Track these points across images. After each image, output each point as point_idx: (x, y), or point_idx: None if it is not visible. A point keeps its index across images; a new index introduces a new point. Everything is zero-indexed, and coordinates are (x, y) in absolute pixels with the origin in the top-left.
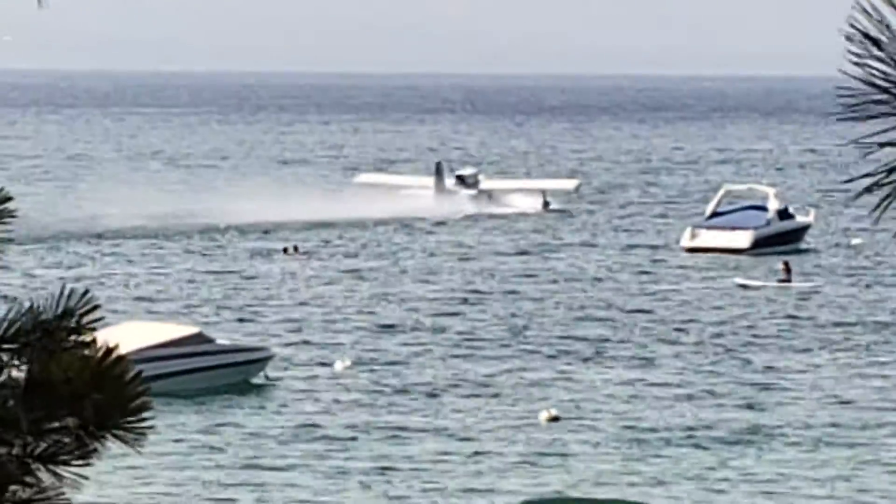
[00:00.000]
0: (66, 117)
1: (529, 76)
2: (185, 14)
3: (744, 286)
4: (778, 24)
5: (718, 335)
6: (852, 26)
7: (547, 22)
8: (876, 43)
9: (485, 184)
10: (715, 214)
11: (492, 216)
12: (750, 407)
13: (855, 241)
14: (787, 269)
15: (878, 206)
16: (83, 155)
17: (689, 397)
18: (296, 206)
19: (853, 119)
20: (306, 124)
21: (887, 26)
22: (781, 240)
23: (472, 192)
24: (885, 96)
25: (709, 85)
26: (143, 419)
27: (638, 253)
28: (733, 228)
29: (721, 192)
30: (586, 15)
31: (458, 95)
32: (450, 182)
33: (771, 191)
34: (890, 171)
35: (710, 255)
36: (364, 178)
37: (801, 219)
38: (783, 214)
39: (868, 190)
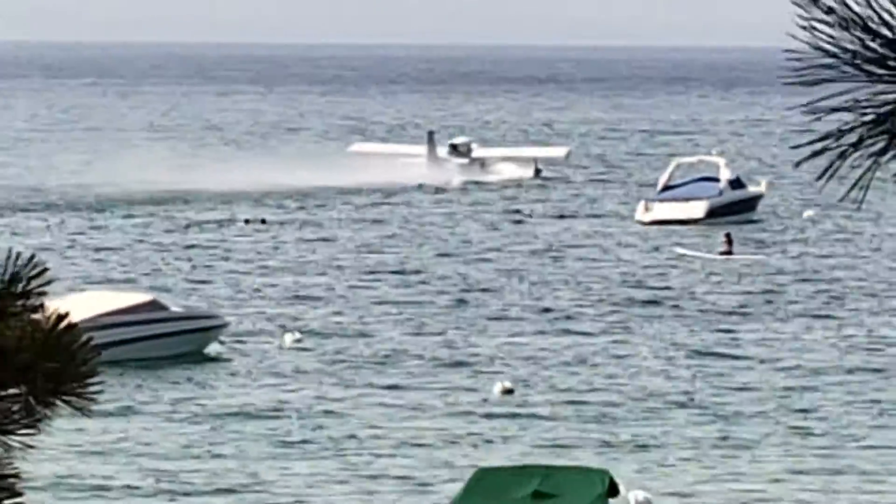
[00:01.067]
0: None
1: (504, 46)
2: None
3: (684, 256)
4: None
5: (665, 305)
6: None
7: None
8: (824, 6)
9: (477, 152)
10: (667, 187)
11: (481, 184)
12: (696, 375)
13: (807, 213)
14: (729, 241)
15: (824, 172)
16: (35, 128)
17: (638, 367)
18: (285, 173)
19: (801, 84)
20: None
21: None
22: (735, 209)
23: (465, 160)
24: (832, 60)
25: (676, 56)
26: (93, 385)
27: (593, 225)
28: (687, 200)
29: (672, 165)
30: None
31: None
32: (442, 151)
33: (721, 161)
34: (839, 136)
35: (664, 226)
36: (358, 147)
37: (753, 188)
38: (735, 184)
39: (815, 155)
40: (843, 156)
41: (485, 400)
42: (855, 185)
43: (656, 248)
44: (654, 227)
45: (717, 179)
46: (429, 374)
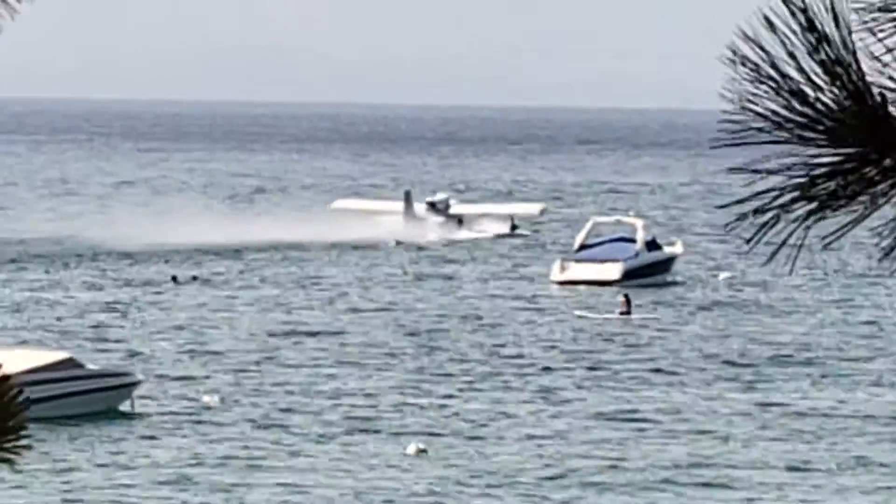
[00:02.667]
0: None
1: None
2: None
3: (584, 318)
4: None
5: (569, 367)
6: (732, 51)
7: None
8: (755, 68)
9: (455, 209)
10: (583, 247)
11: (454, 241)
12: (602, 439)
13: (723, 275)
14: (627, 302)
15: (754, 235)
16: None
17: (544, 431)
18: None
19: (731, 146)
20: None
21: (766, 51)
22: (650, 271)
23: (442, 218)
24: (764, 124)
25: (587, 117)
26: (22, 437)
27: (509, 286)
28: (603, 261)
29: (589, 225)
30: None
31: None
32: (420, 208)
33: (639, 222)
34: (774, 198)
35: (579, 287)
36: (340, 203)
37: (668, 250)
38: (651, 245)
39: (742, 218)
40: (773, 219)
41: (398, 460)
42: (779, 248)
43: (565, 309)
44: (569, 287)
45: (633, 240)
46: (344, 433)
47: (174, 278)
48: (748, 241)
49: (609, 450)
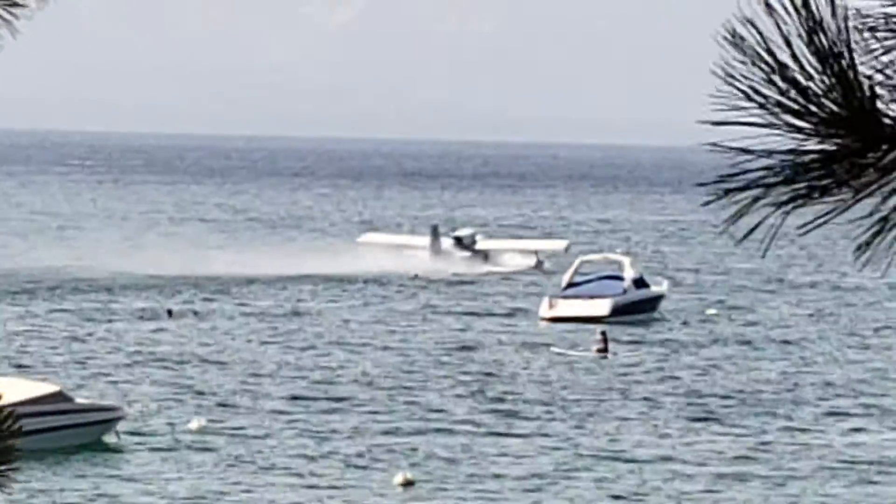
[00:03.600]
0: None
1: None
2: None
3: (561, 354)
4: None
5: (547, 404)
6: (729, 32)
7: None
8: (749, 50)
9: (481, 244)
10: (571, 284)
11: (480, 275)
12: (581, 478)
13: (709, 312)
14: (604, 340)
15: (731, 216)
16: None
17: (521, 469)
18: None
19: (717, 124)
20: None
21: (762, 34)
22: (638, 308)
23: (468, 253)
24: (750, 104)
25: (566, 154)
26: (12, 462)
27: (499, 322)
28: (591, 297)
29: (577, 262)
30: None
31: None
32: (447, 242)
33: (626, 260)
34: (755, 181)
35: (568, 324)
36: (368, 237)
37: (655, 288)
38: (639, 283)
39: (722, 196)
40: (752, 202)
41: (384, 491)
42: (752, 230)
43: (549, 345)
44: (558, 324)
45: (621, 278)
46: (330, 465)
47: (169, 312)
48: (725, 223)
49: (586, 488)
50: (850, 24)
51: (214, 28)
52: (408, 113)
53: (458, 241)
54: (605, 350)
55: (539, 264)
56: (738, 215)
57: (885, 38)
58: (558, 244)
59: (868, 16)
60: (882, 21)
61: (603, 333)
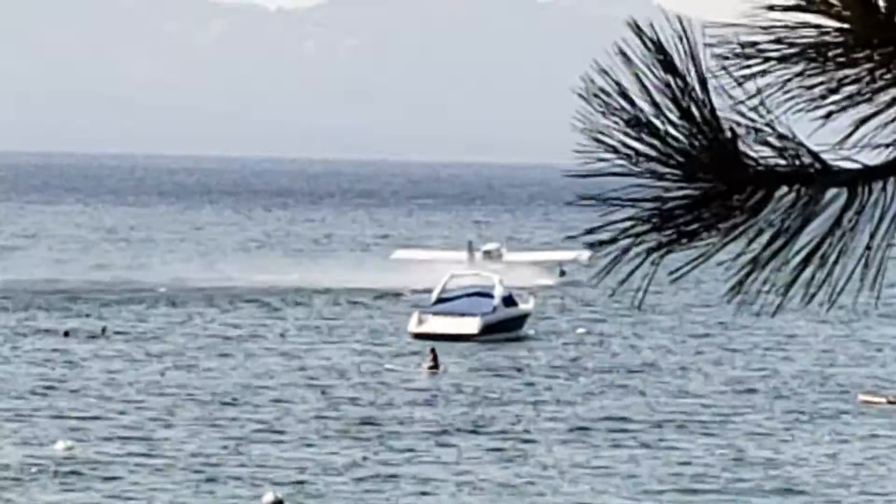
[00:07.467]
0: None
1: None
2: None
3: (392, 371)
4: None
5: (386, 422)
6: (587, 82)
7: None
8: (608, 101)
9: (507, 257)
10: (441, 300)
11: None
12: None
13: (580, 331)
14: (435, 357)
15: (604, 268)
16: None
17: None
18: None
19: (582, 177)
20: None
21: (619, 84)
22: (506, 326)
23: (498, 265)
24: (615, 156)
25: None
26: None
27: (366, 339)
28: (462, 315)
29: (446, 278)
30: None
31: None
32: (479, 256)
33: (496, 277)
34: (624, 231)
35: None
36: (399, 253)
37: (523, 306)
38: (508, 301)
39: (594, 247)
40: (623, 252)
41: None
42: (607, 271)
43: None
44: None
45: (491, 295)
46: (199, 482)
47: (66, 333)
48: (598, 274)
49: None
50: (706, 66)
51: (81, 47)
52: (262, 132)
53: (488, 255)
54: (435, 367)
55: (562, 274)
56: (609, 269)
57: (737, 69)
58: (582, 255)
59: (719, 54)
60: (734, 52)
61: (433, 350)
